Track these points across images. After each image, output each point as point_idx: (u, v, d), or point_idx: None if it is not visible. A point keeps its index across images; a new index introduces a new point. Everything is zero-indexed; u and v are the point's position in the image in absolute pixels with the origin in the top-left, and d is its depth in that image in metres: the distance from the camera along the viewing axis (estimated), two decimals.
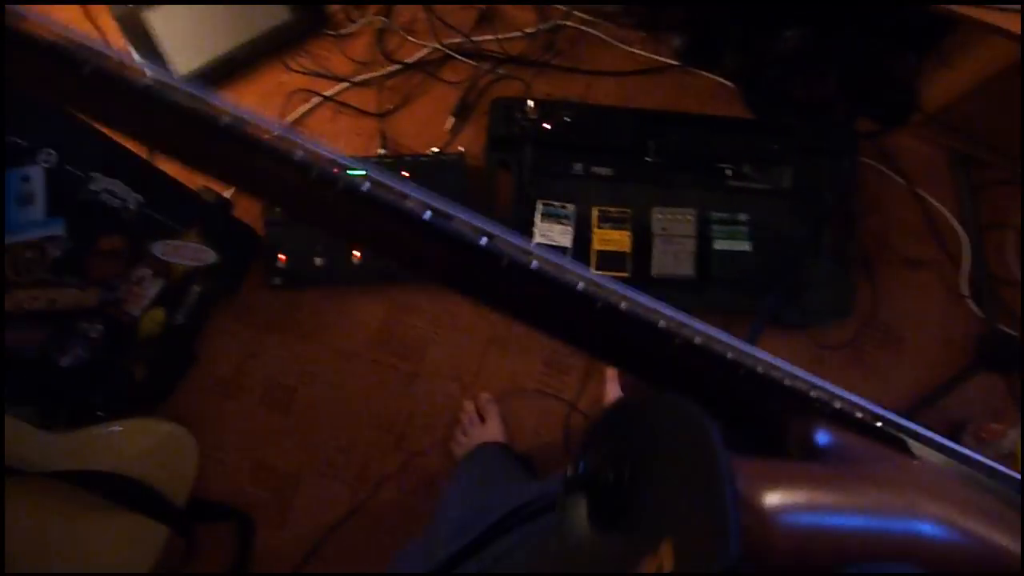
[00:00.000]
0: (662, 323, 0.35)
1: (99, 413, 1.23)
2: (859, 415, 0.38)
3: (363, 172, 0.33)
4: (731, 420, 0.38)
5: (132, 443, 1.25)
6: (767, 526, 0.29)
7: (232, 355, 1.39)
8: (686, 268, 1.38)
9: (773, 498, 0.30)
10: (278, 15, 1.48)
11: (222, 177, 0.35)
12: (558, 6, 1.49)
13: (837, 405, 0.37)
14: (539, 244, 1.37)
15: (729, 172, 1.44)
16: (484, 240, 0.33)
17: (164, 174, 1.18)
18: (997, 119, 1.40)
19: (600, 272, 1.31)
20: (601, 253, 1.38)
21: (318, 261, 1.39)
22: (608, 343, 0.36)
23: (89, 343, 1.15)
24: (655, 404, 0.32)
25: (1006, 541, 0.32)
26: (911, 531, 0.31)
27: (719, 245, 1.39)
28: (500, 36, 1.49)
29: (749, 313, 1.43)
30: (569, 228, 1.38)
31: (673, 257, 1.38)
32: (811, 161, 1.44)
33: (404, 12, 1.49)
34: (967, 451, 0.40)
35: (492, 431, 1.36)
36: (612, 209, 1.39)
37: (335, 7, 1.50)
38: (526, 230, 1.37)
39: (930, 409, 1.42)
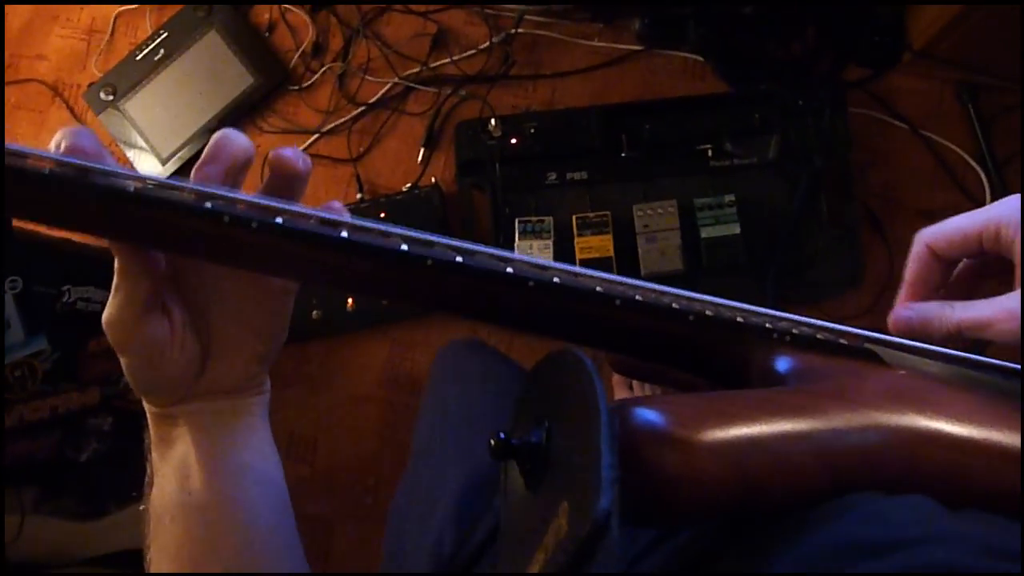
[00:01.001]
0: (599, 288, 0.35)
1: (133, 494, 1.33)
2: (820, 336, 0.37)
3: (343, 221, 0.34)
4: (698, 371, 0.39)
5: None
6: (694, 455, 0.28)
7: None
8: (675, 263, 1.33)
9: (697, 426, 0.28)
10: (243, 81, 1.51)
11: (242, 265, 0.37)
12: (507, 15, 1.46)
13: (795, 331, 0.37)
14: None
15: (710, 152, 1.38)
16: (459, 258, 0.33)
17: None
18: (996, 40, 1.27)
19: None
20: (584, 262, 1.35)
21: (315, 314, 1.43)
22: (553, 318, 0.35)
23: (103, 436, 1.23)
24: (552, 361, 0.32)
25: (993, 433, 0.31)
26: (871, 432, 0.30)
27: (706, 233, 1.33)
28: (456, 58, 1.47)
29: (751, 298, 1.36)
30: (549, 242, 1.36)
31: (660, 254, 1.34)
32: (796, 124, 1.35)
33: (360, 53, 1.50)
34: (945, 350, 0.40)
35: None
36: (590, 214, 1.36)
37: (294, 60, 1.52)
38: (508, 251, 1.36)
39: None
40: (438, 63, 1.49)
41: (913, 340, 0.40)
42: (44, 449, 1.15)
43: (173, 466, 0.43)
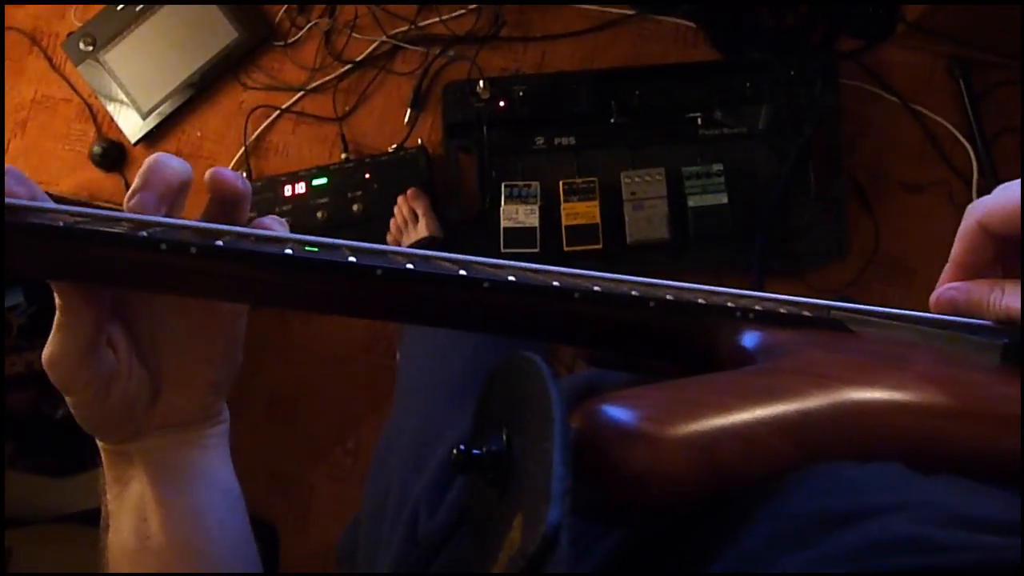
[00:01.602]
0: (556, 282, 0.34)
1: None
2: (783, 311, 0.36)
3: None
4: (667, 358, 0.38)
5: None
6: (663, 449, 0.27)
7: None
8: (661, 231, 1.32)
9: (664, 419, 0.28)
10: (226, 35, 1.48)
11: (187, 292, 0.35)
12: None
13: (759, 307, 0.36)
14: (507, 228, 1.35)
15: (699, 121, 1.37)
16: (410, 264, 0.32)
17: None
18: (990, 15, 1.26)
19: (573, 247, 1.25)
20: (570, 228, 1.34)
21: None
22: (513, 318, 0.35)
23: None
24: (508, 365, 0.31)
25: (964, 395, 0.31)
26: (840, 401, 0.29)
27: (694, 202, 1.33)
28: (445, 17, 1.44)
29: (736, 268, 1.36)
30: (535, 207, 1.35)
31: (647, 222, 1.33)
32: (787, 94, 1.34)
33: (347, 10, 1.46)
34: (913, 312, 0.39)
35: (423, 227, 1.33)
36: (578, 180, 1.35)
37: (279, 16, 1.48)
38: (495, 215, 1.35)
39: None
40: (427, 22, 1.46)
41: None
42: (20, 405, 1.14)
43: (129, 509, 0.41)
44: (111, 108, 1.50)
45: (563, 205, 1.35)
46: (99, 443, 0.41)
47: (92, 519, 1.21)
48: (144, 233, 0.29)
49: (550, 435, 0.25)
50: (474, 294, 0.33)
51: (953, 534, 0.24)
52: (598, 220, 1.33)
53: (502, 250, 1.34)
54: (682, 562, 0.29)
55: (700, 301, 0.36)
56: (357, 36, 1.46)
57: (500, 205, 1.35)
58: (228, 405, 0.45)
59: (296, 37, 1.48)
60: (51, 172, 1.51)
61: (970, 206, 0.39)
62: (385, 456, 0.70)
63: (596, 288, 0.34)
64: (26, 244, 0.29)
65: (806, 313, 0.37)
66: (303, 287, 0.32)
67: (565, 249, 1.34)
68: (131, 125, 1.49)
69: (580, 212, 1.34)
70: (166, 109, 1.49)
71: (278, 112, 1.48)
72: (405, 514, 0.57)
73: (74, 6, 1.53)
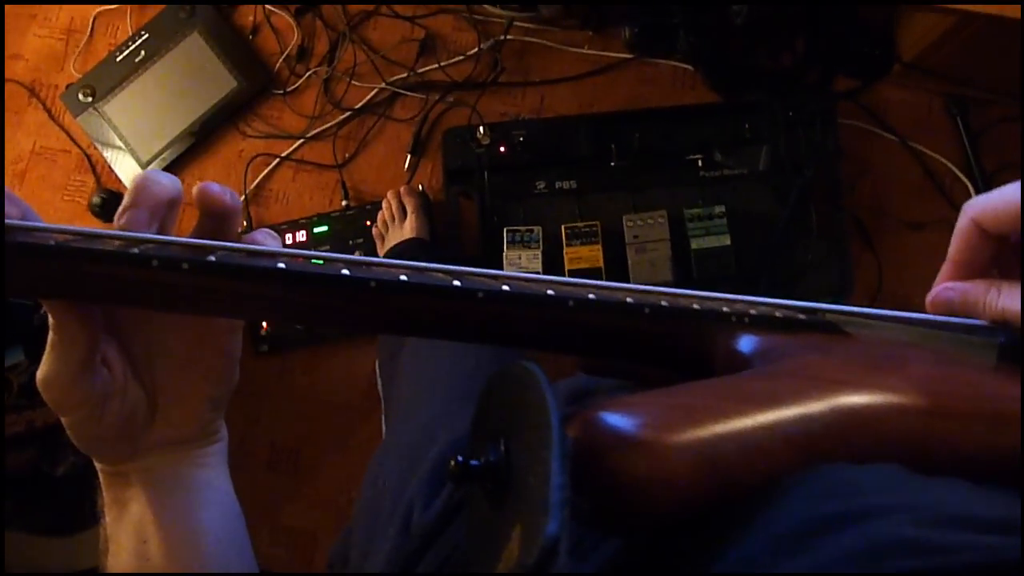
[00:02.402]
0: (550, 291, 0.34)
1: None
2: (779, 314, 0.37)
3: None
4: (664, 364, 0.38)
5: None
6: (663, 456, 0.27)
7: (233, 425, 1.41)
8: (664, 274, 1.32)
9: (664, 426, 0.28)
10: (226, 84, 1.48)
11: (181, 309, 0.35)
12: (495, 21, 1.44)
13: (754, 312, 0.36)
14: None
15: (700, 163, 1.37)
16: (404, 276, 0.32)
17: None
18: (986, 53, 1.27)
19: None
20: (573, 272, 1.33)
21: (299, 326, 1.41)
22: (509, 327, 0.35)
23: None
24: (505, 374, 0.31)
25: (960, 395, 0.31)
26: (839, 404, 0.29)
27: (697, 244, 1.32)
28: (443, 63, 1.45)
29: None
30: (538, 252, 1.34)
31: (649, 265, 1.33)
32: (786, 135, 1.35)
33: (346, 58, 1.47)
34: (907, 314, 0.39)
35: (409, 226, 1.32)
36: (580, 224, 1.35)
37: (279, 64, 1.49)
38: (497, 261, 1.34)
39: None
40: (425, 68, 1.47)
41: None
42: (19, 464, 1.12)
43: (128, 531, 0.41)
44: (110, 158, 1.50)
45: (566, 249, 1.34)
46: (97, 464, 0.41)
47: None
48: (136, 250, 0.30)
49: (548, 444, 0.25)
50: (469, 305, 0.33)
51: (953, 534, 0.24)
52: (601, 264, 1.33)
53: None
54: (682, 566, 0.28)
55: (695, 307, 0.36)
56: (356, 83, 1.47)
57: (503, 250, 1.34)
58: (228, 455, 0.45)
59: (295, 85, 1.49)
60: (50, 222, 1.50)
61: (966, 204, 0.39)
62: (381, 459, 0.69)
63: (591, 296, 0.34)
64: (18, 263, 0.29)
65: (801, 317, 0.37)
66: (297, 301, 0.32)
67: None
68: (131, 175, 1.49)
69: (583, 256, 1.34)
70: (166, 158, 1.49)
71: (278, 160, 1.48)
72: (400, 508, 0.57)
73: (72, 57, 1.54)
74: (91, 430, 0.38)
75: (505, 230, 1.35)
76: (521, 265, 1.34)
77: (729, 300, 0.38)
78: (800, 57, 1.41)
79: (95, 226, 1.51)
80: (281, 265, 0.31)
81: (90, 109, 1.50)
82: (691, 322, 0.36)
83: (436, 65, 1.45)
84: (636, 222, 1.34)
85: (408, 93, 1.46)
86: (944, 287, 0.40)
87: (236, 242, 0.35)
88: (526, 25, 1.45)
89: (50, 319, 0.35)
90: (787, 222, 1.33)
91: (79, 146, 1.52)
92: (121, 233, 0.32)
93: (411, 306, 0.32)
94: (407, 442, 0.68)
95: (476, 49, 1.45)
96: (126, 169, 1.49)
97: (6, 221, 0.31)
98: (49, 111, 1.53)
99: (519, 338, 0.35)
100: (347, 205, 1.44)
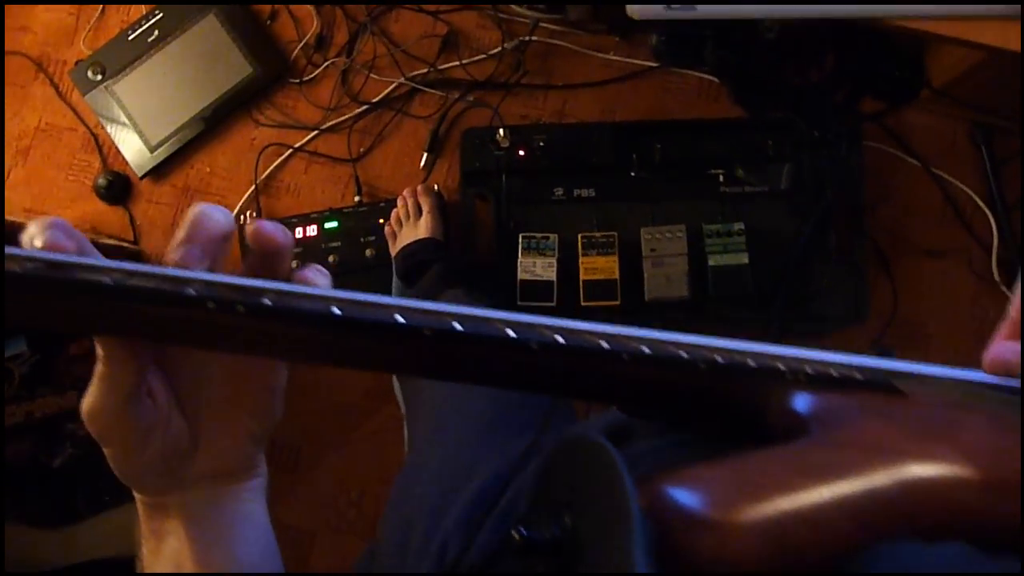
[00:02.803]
0: (605, 343, 0.33)
1: (107, 499, 1.27)
2: (835, 373, 0.36)
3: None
4: (714, 419, 0.38)
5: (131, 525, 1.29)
6: (731, 536, 0.27)
7: None
8: (680, 289, 1.30)
9: (731, 504, 0.28)
10: (241, 70, 1.45)
11: (232, 350, 0.36)
12: (520, 21, 1.41)
13: (809, 370, 0.36)
14: (523, 280, 1.32)
15: (721, 178, 1.35)
16: (457, 324, 0.32)
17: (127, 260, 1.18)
18: (1015, 86, 1.25)
19: (590, 303, 1.24)
20: (588, 283, 1.31)
21: None
22: (562, 378, 0.35)
23: (79, 441, 1.17)
24: (574, 448, 0.31)
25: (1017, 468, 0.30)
26: (903, 478, 0.29)
27: (714, 261, 1.30)
28: (465, 61, 1.42)
29: (754, 326, 1.35)
30: (553, 260, 1.32)
31: (666, 279, 1.31)
32: (810, 154, 1.33)
33: (366, 50, 1.44)
34: (965, 373, 0.39)
35: (424, 226, 1.30)
36: (597, 234, 1.33)
37: (296, 53, 1.46)
38: (511, 266, 1.32)
39: None
40: (447, 65, 1.44)
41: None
42: (17, 454, 1.09)
43: (165, 564, 0.41)
44: (118, 139, 1.46)
45: (582, 259, 1.32)
46: (136, 495, 0.41)
47: (87, 572, 1.15)
48: (192, 291, 0.29)
49: (629, 528, 0.25)
50: (523, 355, 0.32)
51: None
52: (617, 276, 1.31)
53: (518, 303, 1.31)
54: None
55: (751, 364, 0.35)
56: (375, 77, 1.44)
57: (517, 256, 1.32)
58: None
59: (312, 75, 1.45)
60: (53, 202, 1.46)
61: None
62: (409, 487, 0.68)
63: (646, 350, 0.34)
64: (75, 301, 0.29)
65: (857, 376, 0.36)
66: (350, 346, 0.32)
67: (582, 303, 1.31)
68: (138, 158, 1.46)
69: (599, 267, 1.32)
70: (176, 143, 1.45)
71: (291, 151, 1.45)
72: (434, 545, 0.57)
73: (83, 32, 1.49)
74: (134, 461, 0.38)
75: (520, 236, 1.33)
76: (536, 273, 1.32)
77: (785, 357, 0.37)
78: (828, 75, 1.39)
79: (98, 208, 1.48)
80: (336, 311, 0.30)
81: (99, 87, 1.46)
82: (747, 379, 0.36)
83: (458, 63, 1.42)
84: (654, 235, 1.32)
85: (427, 90, 1.43)
86: (1002, 346, 0.38)
87: (287, 280, 0.35)
88: (552, 27, 1.42)
89: (98, 349, 0.35)
90: (806, 243, 1.32)
91: (86, 125, 1.48)
92: (176, 272, 0.32)
93: (463, 355, 0.32)
94: (438, 469, 0.66)
95: (499, 48, 1.42)
96: (134, 151, 1.46)
97: (64, 258, 0.30)
98: (57, 87, 1.49)
99: (569, 389, 0.36)
100: (360, 201, 1.42)
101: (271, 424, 0.42)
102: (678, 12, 0.76)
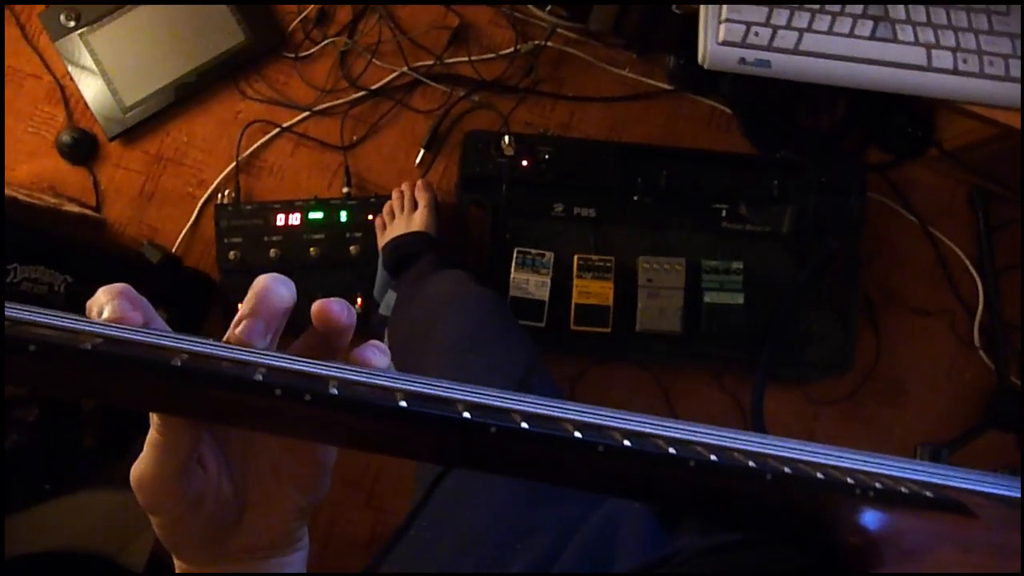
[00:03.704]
0: (672, 450, 0.33)
1: (47, 487, 1.18)
2: (904, 490, 0.36)
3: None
4: (774, 529, 0.38)
5: (85, 514, 1.20)
6: None
7: None
8: (673, 324, 1.27)
9: None
10: (233, 36, 1.34)
11: (293, 435, 0.36)
12: (537, 23, 1.35)
13: (879, 485, 0.36)
14: (515, 297, 1.28)
15: (724, 213, 1.32)
16: (525, 424, 0.32)
17: (97, 249, 1.08)
18: (1017, 152, 1.26)
19: (580, 327, 1.23)
20: (580, 307, 1.27)
21: None
22: (624, 481, 0.35)
23: (25, 428, 1.08)
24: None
25: None
26: None
27: (710, 298, 1.28)
28: (475, 58, 1.35)
29: (739, 365, 1.33)
30: (547, 279, 1.28)
31: (659, 312, 1.28)
32: (814, 199, 1.31)
33: (370, 33, 1.35)
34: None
35: (419, 220, 1.25)
36: (594, 257, 1.28)
37: (294, 25, 1.36)
38: (503, 279, 1.27)
39: None
40: (454, 60, 1.36)
41: None
42: None
43: None
44: (87, 94, 1.34)
45: (576, 281, 1.28)
46: (176, 564, 0.40)
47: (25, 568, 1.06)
48: (260, 376, 0.29)
49: None
50: (588, 457, 0.33)
51: None
52: (610, 303, 1.27)
53: None
54: None
55: (819, 476, 0.35)
56: (377, 63, 1.35)
57: (511, 272, 1.27)
58: None
59: (309, 52, 1.36)
60: (9, 155, 1.34)
61: None
62: (430, 540, 0.65)
63: (713, 458, 0.34)
64: (143, 381, 0.29)
65: (928, 494, 0.37)
66: (412, 440, 0.32)
67: (572, 327, 1.27)
68: (109, 117, 1.34)
69: (593, 292, 1.28)
70: (152, 106, 1.34)
71: (278, 130, 1.36)
72: None
73: None
74: (180, 531, 0.37)
75: (516, 251, 1.28)
76: (527, 290, 1.27)
77: (853, 470, 0.37)
78: (839, 121, 1.38)
79: (59, 166, 1.36)
80: (403, 404, 0.30)
81: (72, 35, 1.33)
82: (814, 491, 0.36)
83: (466, 58, 1.35)
84: (652, 265, 1.29)
85: (431, 83, 1.36)
86: None
87: (344, 360, 0.36)
88: (569, 34, 1.36)
89: (153, 417, 0.35)
90: (801, 290, 1.31)
91: (52, 74, 1.35)
92: (243, 355, 0.31)
93: (527, 454, 0.32)
94: (470, 528, 0.63)
95: (512, 49, 1.35)
96: (105, 109, 1.34)
97: (130, 334, 0.30)
98: (23, 28, 1.36)
99: (630, 491, 0.35)
100: (348, 193, 1.34)
101: (318, 499, 0.41)
102: (752, 69, 0.72)
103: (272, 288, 0.36)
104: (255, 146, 1.35)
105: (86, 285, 1.06)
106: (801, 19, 0.69)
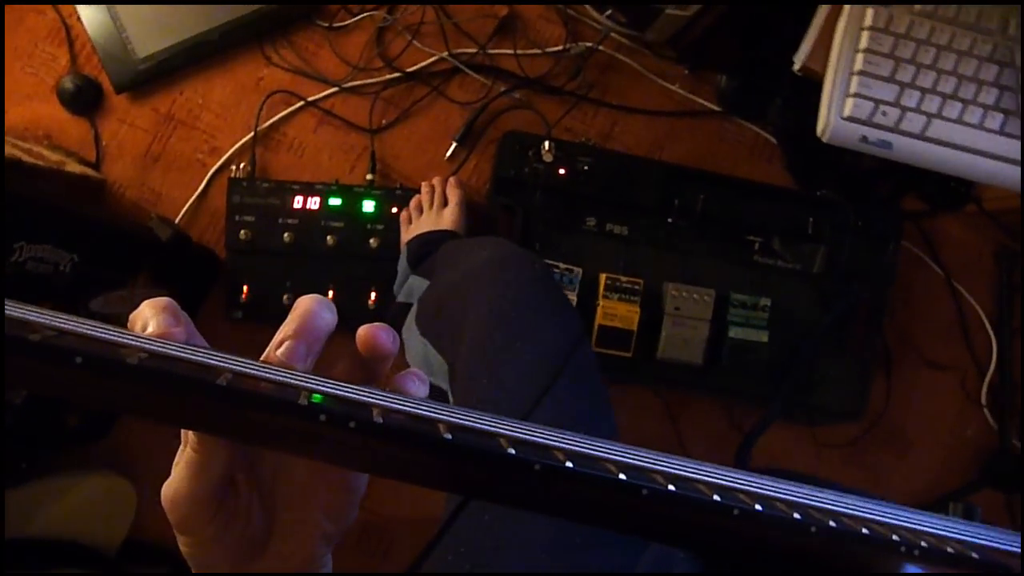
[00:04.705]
0: (717, 497, 0.33)
1: (23, 466, 1.10)
2: (950, 550, 0.36)
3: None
4: None
5: (68, 497, 1.13)
6: None
7: None
8: (695, 356, 1.24)
9: None
10: None
11: (333, 462, 0.36)
12: (590, 24, 1.28)
13: (923, 544, 0.35)
14: None
15: (756, 246, 1.29)
16: (569, 463, 0.31)
17: (104, 225, 0.99)
18: None
19: (599, 349, 1.19)
20: (604, 329, 1.23)
21: (287, 299, 1.23)
22: (665, 526, 0.34)
23: (13, 410, 0.99)
24: None
25: None
26: None
27: (735, 333, 1.25)
28: (520, 52, 1.27)
29: (752, 401, 1.32)
30: (573, 297, 1.23)
31: (683, 342, 1.25)
32: (849, 242, 1.29)
33: (412, 11, 1.26)
34: None
35: (449, 218, 1.19)
36: (623, 278, 1.24)
37: None
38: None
39: None
40: (498, 51, 1.28)
41: None
42: None
43: None
44: (97, 39, 1.22)
45: (602, 300, 1.23)
46: None
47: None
48: (304, 401, 0.29)
49: None
50: (630, 500, 0.32)
51: None
52: (635, 328, 1.23)
53: None
54: None
55: (864, 531, 0.35)
56: (416, 44, 1.27)
57: None
58: None
59: (344, 23, 1.26)
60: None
61: None
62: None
63: (758, 507, 0.33)
64: (185, 400, 0.28)
65: (974, 555, 0.36)
66: (454, 473, 0.31)
67: (593, 348, 1.23)
68: (118, 68, 1.23)
69: (619, 314, 1.24)
70: (167, 62, 1.23)
71: (302, 103, 1.26)
72: None
73: None
74: (209, 552, 0.37)
75: (545, 262, 1.22)
76: None
77: (897, 526, 0.37)
78: (880, 164, 1.35)
79: (57, 114, 1.24)
80: (448, 436, 0.30)
81: None
82: (858, 547, 0.35)
83: (511, 51, 1.28)
84: (681, 293, 1.25)
85: (472, 73, 1.28)
86: None
87: (385, 385, 0.36)
88: (621, 40, 1.29)
89: (189, 435, 0.35)
90: (824, 334, 1.29)
91: (58, 11, 1.23)
92: (287, 377, 0.31)
93: (569, 493, 0.32)
94: (511, 568, 0.62)
95: (561, 48, 1.28)
96: (115, 58, 1.23)
97: (171, 349, 0.30)
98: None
99: (666, 536, 0.35)
100: (371, 181, 1.26)
101: (345, 525, 0.41)
102: (871, 148, 0.68)
103: (316, 311, 0.36)
104: (276, 118, 1.26)
105: (92, 265, 0.97)
106: (932, 103, 0.65)
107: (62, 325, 0.28)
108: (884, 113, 0.66)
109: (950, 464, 1.37)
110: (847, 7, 0.66)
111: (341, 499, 0.39)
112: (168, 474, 0.36)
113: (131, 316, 0.33)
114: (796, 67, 0.76)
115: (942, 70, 0.65)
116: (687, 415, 1.35)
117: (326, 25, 1.26)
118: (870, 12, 0.65)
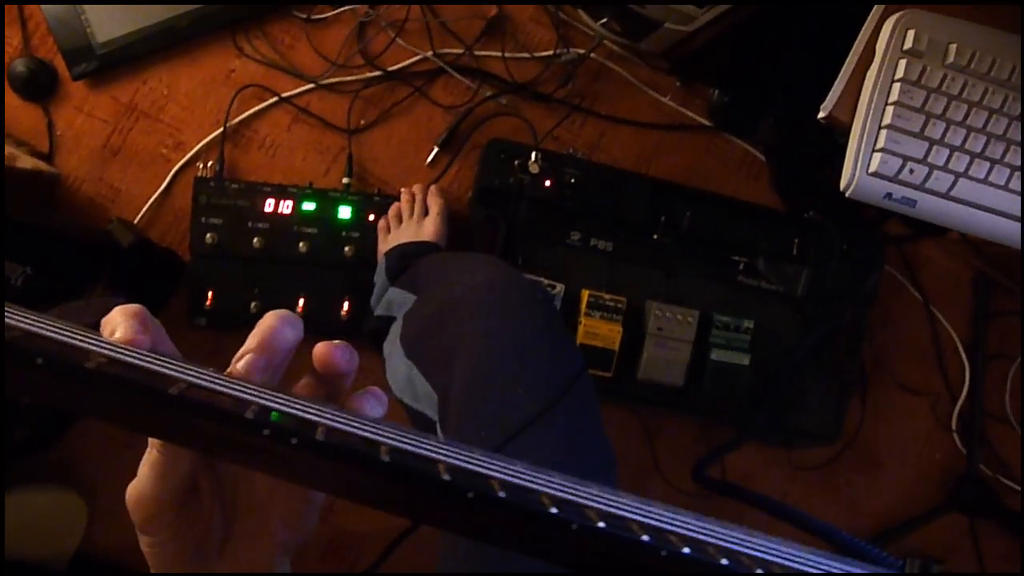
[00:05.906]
0: (646, 536, 0.32)
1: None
2: None
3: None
4: None
5: (15, 512, 1.06)
6: None
7: None
8: (676, 378, 1.22)
9: None
10: None
11: (274, 475, 0.35)
12: (581, 29, 1.23)
13: None
14: None
15: (741, 266, 1.27)
16: (503, 493, 0.30)
17: (58, 234, 0.92)
18: None
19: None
20: (584, 348, 1.20)
21: (255, 307, 1.17)
22: (591, 563, 0.33)
23: None
24: None
25: None
26: None
27: (716, 355, 1.23)
28: (508, 55, 1.22)
29: (730, 422, 1.30)
30: None
31: (665, 363, 1.22)
32: (834, 266, 1.27)
33: (396, 7, 1.19)
34: None
35: (430, 228, 1.15)
36: (606, 296, 1.21)
37: None
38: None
39: (890, 542, 1.37)
40: (485, 53, 1.23)
41: None
42: None
43: None
44: (53, 21, 1.13)
45: (583, 318, 1.20)
46: None
47: None
48: (251, 415, 0.30)
49: None
50: (559, 533, 0.31)
51: None
52: (617, 348, 1.20)
53: None
54: None
55: None
56: (400, 42, 1.20)
57: None
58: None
59: (323, 15, 1.19)
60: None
61: None
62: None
63: (686, 551, 0.33)
64: (137, 405, 0.29)
65: None
66: (390, 494, 0.32)
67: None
68: (76, 52, 1.14)
69: (600, 333, 1.20)
70: (130, 48, 1.15)
71: (276, 99, 1.19)
72: None
73: None
74: (168, 552, 0.37)
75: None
76: None
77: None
78: None
79: (8, 100, 1.15)
80: (386, 459, 0.30)
81: None
82: None
83: (499, 54, 1.22)
84: (665, 313, 1.22)
85: (456, 75, 1.22)
86: None
87: (340, 404, 0.37)
88: (613, 48, 1.24)
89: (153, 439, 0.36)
90: (803, 357, 1.28)
91: None
92: (244, 392, 0.31)
93: (498, 523, 0.31)
94: None
95: (550, 52, 1.23)
96: (72, 41, 1.14)
97: (140, 353, 0.31)
98: None
99: (593, 573, 0.34)
100: (348, 185, 1.20)
101: (304, 535, 0.41)
102: (894, 205, 0.65)
103: (278, 329, 0.37)
104: (247, 113, 1.19)
105: (47, 276, 0.90)
106: (960, 162, 0.62)
107: (31, 328, 0.28)
108: (911, 171, 0.63)
109: (918, 487, 1.38)
110: (878, 57, 0.63)
111: (300, 508, 0.40)
112: (119, 487, 0.36)
113: (103, 320, 0.34)
114: (821, 116, 0.73)
115: (972, 127, 0.62)
116: (663, 435, 1.33)
117: (304, 17, 1.19)
118: (903, 64, 0.62)
